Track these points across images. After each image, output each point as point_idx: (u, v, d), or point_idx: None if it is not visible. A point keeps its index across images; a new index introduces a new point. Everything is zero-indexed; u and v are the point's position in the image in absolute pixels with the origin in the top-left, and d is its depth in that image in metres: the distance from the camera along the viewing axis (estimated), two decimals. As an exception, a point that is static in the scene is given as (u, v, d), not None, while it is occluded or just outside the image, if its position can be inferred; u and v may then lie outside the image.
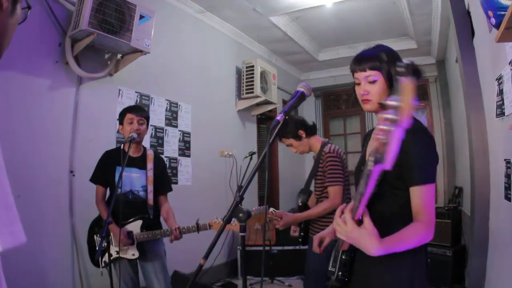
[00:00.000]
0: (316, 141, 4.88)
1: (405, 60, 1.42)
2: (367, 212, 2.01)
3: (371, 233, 1.99)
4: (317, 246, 2.95)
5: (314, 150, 4.89)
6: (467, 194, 7.30)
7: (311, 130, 4.89)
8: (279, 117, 2.33)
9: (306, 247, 8.16)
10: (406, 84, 1.24)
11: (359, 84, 2.47)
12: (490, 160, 5.00)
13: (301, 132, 4.83)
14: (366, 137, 2.87)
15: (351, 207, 2.06)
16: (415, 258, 2.25)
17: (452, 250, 6.97)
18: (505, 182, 4.14)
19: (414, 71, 1.33)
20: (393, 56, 2.43)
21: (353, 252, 2.41)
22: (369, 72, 2.39)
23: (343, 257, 2.42)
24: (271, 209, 4.66)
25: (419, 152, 2.15)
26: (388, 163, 1.39)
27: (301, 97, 2.44)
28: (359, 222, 2.04)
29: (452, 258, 6.90)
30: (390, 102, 1.28)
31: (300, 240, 4.90)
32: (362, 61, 2.44)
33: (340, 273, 2.41)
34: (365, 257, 2.26)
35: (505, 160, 4.15)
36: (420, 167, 2.13)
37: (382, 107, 1.36)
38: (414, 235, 2.11)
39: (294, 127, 4.81)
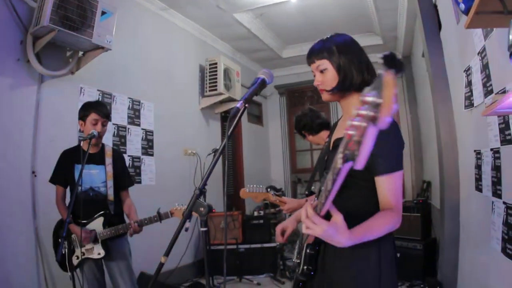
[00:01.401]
0: (325, 135, 4.92)
1: (385, 52, 1.33)
2: (333, 206, 1.94)
3: (341, 226, 1.92)
4: (280, 235, 2.91)
5: (322, 143, 4.95)
6: (435, 187, 7.33)
7: (314, 130, 5.02)
8: (239, 104, 2.24)
9: (273, 244, 8.12)
10: (387, 77, 1.15)
11: (315, 76, 2.48)
12: (460, 152, 5.01)
13: (304, 132, 5.05)
14: (333, 127, 2.84)
15: (314, 205, 2.01)
16: (381, 250, 2.23)
17: (422, 243, 6.99)
18: (475, 173, 4.14)
19: (395, 63, 1.23)
20: (346, 45, 2.44)
21: (318, 245, 2.39)
22: (318, 62, 2.41)
23: (308, 250, 2.39)
24: (272, 192, 4.60)
25: (383, 139, 2.09)
26: (359, 163, 1.30)
27: (262, 83, 2.37)
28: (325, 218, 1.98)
29: (423, 252, 6.91)
30: (367, 98, 1.18)
31: None
32: (310, 53, 2.47)
33: (305, 267, 2.38)
34: (330, 250, 2.30)
35: (475, 151, 4.15)
36: (385, 156, 2.10)
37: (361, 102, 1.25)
38: (383, 223, 2.10)
39: (299, 127, 5.10)
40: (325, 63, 2.37)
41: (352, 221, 2.00)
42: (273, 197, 4.55)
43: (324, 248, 2.36)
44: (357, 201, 2.23)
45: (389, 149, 2.13)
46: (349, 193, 2.19)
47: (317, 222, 1.90)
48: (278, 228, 2.93)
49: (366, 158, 1.25)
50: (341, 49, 2.38)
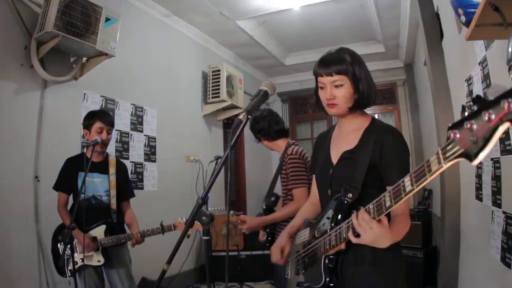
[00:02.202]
0: (282, 143, 4.79)
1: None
2: None
3: (388, 229, 2.06)
4: (280, 258, 2.88)
5: (279, 152, 4.82)
6: (436, 196, 7.33)
7: (271, 136, 4.79)
8: (241, 116, 2.25)
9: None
10: None
11: (323, 88, 2.48)
12: (460, 161, 5.00)
13: (260, 136, 4.83)
14: (323, 140, 2.86)
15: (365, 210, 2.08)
16: (395, 254, 2.33)
17: (423, 251, 6.99)
18: (476, 183, 4.15)
19: None
20: (356, 59, 2.47)
21: (336, 256, 2.38)
22: (336, 77, 2.40)
23: (327, 261, 2.38)
24: (231, 212, 4.60)
25: (399, 153, 2.27)
26: (478, 160, 1.35)
27: (264, 95, 2.38)
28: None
29: (424, 260, 6.92)
30: None
31: (267, 244, 4.77)
32: (327, 65, 2.44)
33: (328, 279, 2.37)
34: (350, 259, 2.34)
35: (475, 160, 4.14)
36: (399, 168, 2.25)
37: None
38: (405, 226, 2.26)
39: (254, 130, 4.83)
40: (343, 79, 2.39)
41: None
42: (233, 217, 4.56)
43: (342, 258, 2.38)
44: None
45: (404, 161, 2.24)
46: (364, 202, 2.23)
47: (373, 226, 2.00)
48: (275, 249, 2.92)
49: (487, 155, 1.31)
50: (355, 64, 2.41)
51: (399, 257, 2.38)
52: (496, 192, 3.47)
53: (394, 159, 2.22)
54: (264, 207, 4.83)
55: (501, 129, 1.24)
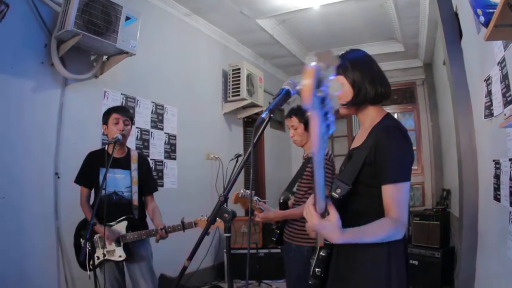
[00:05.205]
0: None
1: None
2: (331, 204, 2.10)
3: (333, 224, 2.06)
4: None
5: (307, 149, 4.86)
6: (455, 196, 7.30)
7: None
8: (264, 114, 2.29)
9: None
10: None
11: None
12: (479, 161, 4.99)
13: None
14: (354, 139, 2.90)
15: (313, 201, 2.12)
16: (391, 254, 2.29)
17: (441, 252, 6.98)
18: (494, 183, 4.13)
19: None
20: (359, 60, 2.55)
21: (330, 249, 2.46)
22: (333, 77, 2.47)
23: (321, 253, 2.47)
24: (256, 198, 4.62)
25: (392, 150, 2.25)
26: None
27: (286, 94, 2.39)
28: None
29: (441, 260, 6.91)
30: None
31: (273, 239, 4.89)
32: None
33: (316, 269, 2.45)
34: (343, 253, 2.39)
35: (493, 160, 4.14)
36: (392, 166, 2.23)
37: None
38: (381, 229, 2.17)
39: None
40: (341, 79, 2.47)
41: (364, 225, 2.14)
42: (256, 204, 4.57)
43: (337, 251, 2.44)
44: (371, 209, 2.30)
45: (398, 160, 2.23)
46: (362, 200, 2.30)
47: (311, 214, 2.09)
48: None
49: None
50: (354, 65, 2.48)
51: (396, 255, 2.31)
52: (514, 192, 3.45)
53: (387, 157, 2.23)
54: (281, 200, 4.86)
55: None
